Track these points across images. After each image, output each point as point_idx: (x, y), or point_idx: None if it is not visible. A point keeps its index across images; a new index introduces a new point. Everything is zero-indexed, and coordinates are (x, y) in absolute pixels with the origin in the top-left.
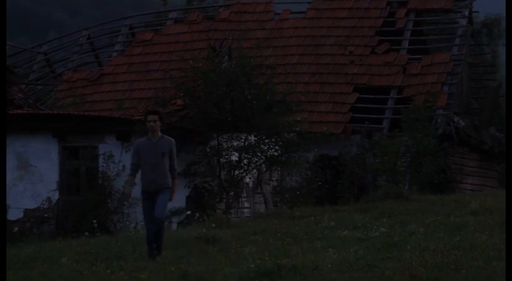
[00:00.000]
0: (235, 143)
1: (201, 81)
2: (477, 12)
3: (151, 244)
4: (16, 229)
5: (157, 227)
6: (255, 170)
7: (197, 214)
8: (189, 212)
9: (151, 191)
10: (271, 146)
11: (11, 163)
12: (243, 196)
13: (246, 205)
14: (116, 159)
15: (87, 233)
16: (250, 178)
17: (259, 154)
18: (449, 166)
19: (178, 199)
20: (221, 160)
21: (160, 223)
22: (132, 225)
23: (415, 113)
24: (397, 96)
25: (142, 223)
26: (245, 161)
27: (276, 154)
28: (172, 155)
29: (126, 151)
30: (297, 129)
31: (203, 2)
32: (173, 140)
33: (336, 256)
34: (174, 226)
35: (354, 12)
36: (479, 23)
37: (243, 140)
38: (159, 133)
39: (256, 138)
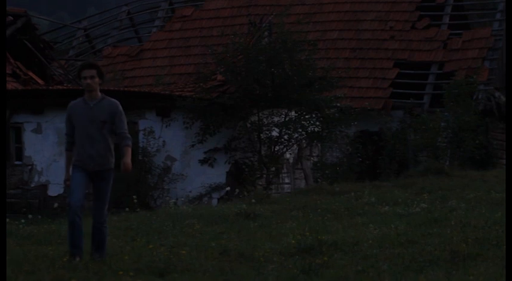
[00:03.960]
0: (275, 119)
1: (241, 57)
2: None
3: (74, 235)
4: (56, 204)
5: (98, 229)
6: (295, 146)
7: (237, 190)
8: (229, 188)
9: (89, 170)
10: (312, 122)
11: (51, 138)
12: (283, 171)
13: (286, 180)
14: (156, 135)
15: (127, 209)
16: (290, 153)
17: (300, 130)
18: (490, 141)
19: (219, 174)
20: (261, 135)
21: (102, 225)
22: (172, 201)
23: (456, 88)
24: (438, 71)
25: (183, 199)
26: (285, 137)
27: (316, 129)
28: (117, 120)
29: (166, 126)
30: (338, 105)
31: None
32: (117, 101)
33: (377, 231)
34: (215, 201)
35: None
36: None
37: (284, 116)
38: (99, 94)
39: (296, 114)
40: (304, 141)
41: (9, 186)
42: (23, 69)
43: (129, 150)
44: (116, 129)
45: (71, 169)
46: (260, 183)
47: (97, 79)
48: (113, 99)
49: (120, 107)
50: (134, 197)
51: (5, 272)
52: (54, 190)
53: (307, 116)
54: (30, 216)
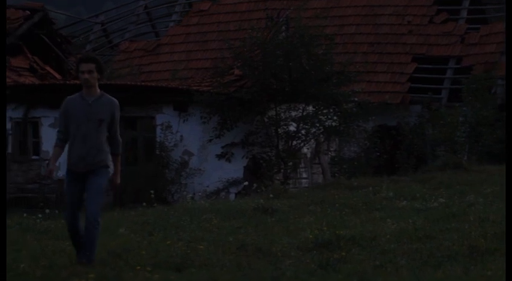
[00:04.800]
0: (293, 114)
1: (259, 52)
2: None
3: (76, 240)
4: None
5: (89, 228)
6: (313, 141)
7: (255, 185)
8: (246, 183)
9: (81, 173)
10: (330, 117)
11: None
12: (300, 166)
13: (304, 175)
14: (173, 129)
15: (144, 204)
16: (308, 148)
17: (317, 124)
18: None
19: (237, 169)
20: (279, 130)
21: (94, 223)
22: (190, 195)
23: (474, 83)
24: (456, 66)
25: (200, 193)
26: (303, 132)
27: (334, 124)
28: (114, 122)
29: (184, 121)
30: (355, 99)
31: None
32: (116, 100)
33: (395, 226)
34: (232, 196)
35: None
36: None
37: (301, 111)
38: (98, 90)
39: (314, 109)
40: (321, 136)
41: (26, 181)
42: (41, 63)
43: (119, 159)
44: (109, 131)
45: (65, 173)
46: (278, 178)
47: (96, 74)
48: (112, 97)
49: (119, 107)
50: (152, 191)
51: (5, 272)
52: None
53: (324, 111)
54: (47, 211)
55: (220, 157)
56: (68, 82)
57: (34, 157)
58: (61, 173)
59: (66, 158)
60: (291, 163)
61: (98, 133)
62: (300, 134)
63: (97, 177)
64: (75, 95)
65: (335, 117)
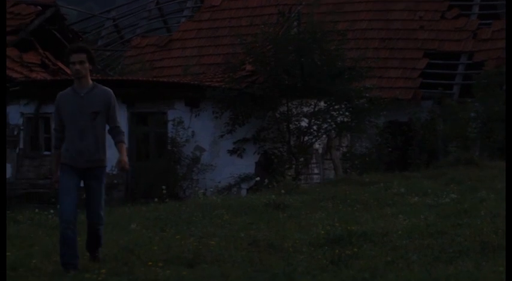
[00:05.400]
0: (305, 109)
1: (270, 47)
2: None
3: (67, 246)
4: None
5: (90, 229)
6: (324, 136)
7: (266, 180)
8: (258, 178)
9: (79, 168)
10: (341, 112)
11: None
12: (312, 162)
13: (316, 171)
14: (185, 125)
15: (156, 199)
16: (319, 144)
17: (329, 120)
18: None
19: (248, 165)
20: (291, 126)
21: (97, 225)
22: (202, 191)
23: (486, 78)
24: (468, 62)
25: (212, 189)
26: (315, 127)
27: (345, 119)
28: (111, 111)
29: (195, 116)
30: (367, 95)
31: None
32: (110, 90)
33: (406, 222)
34: (244, 192)
35: None
36: None
37: (313, 106)
38: (90, 82)
39: (326, 104)
40: (333, 131)
41: (38, 176)
42: (52, 59)
43: (124, 146)
44: (108, 123)
45: (59, 169)
46: (289, 173)
47: (87, 64)
48: (106, 87)
49: (114, 96)
50: (163, 187)
51: (5, 272)
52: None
53: (336, 107)
54: (59, 206)
55: (231, 152)
56: None
57: (45, 153)
58: None
59: (63, 155)
60: (302, 159)
61: (95, 127)
62: (311, 130)
63: (95, 181)
64: (67, 90)
65: (347, 113)
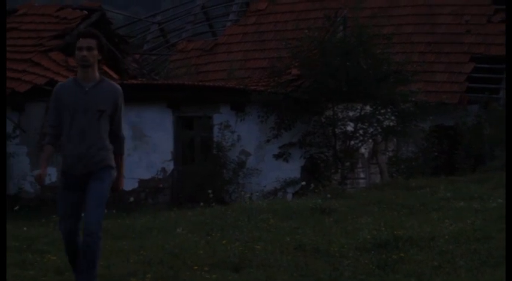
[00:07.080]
0: (350, 113)
1: (316, 51)
2: None
3: (74, 259)
4: (131, 199)
5: (88, 243)
6: (370, 141)
7: (312, 185)
8: (304, 183)
9: (78, 175)
10: (387, 116)
11: (125, 133)
12: (358, 166)
13: (362, 175)
14: (230, 129)
15: (202, 204)
16: (365, 148)
17: (375, 124)
18: None
19: (294, 169)
20: (336, 130)
21: (94, 237)
22: (247, 195)
23: None
24: None
25: (257, 194)
26: (360, 132)
27: (391, 124)
28: (117, 114)
29: (241, 120)
30: (413, 99)
31: None
32: (120, 87)
33: (453, 227)
34: (289, 196)
35: None
36: None
37: (359, 110)
38: (97, 74)
39: (371, 109)
40: (379, 136)
41: None
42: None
43: (123, 160)
44: (112, 126)
45: (60, 176)
46: (335, 178)
47: (96, 52)
48: (114, 83)
49: (123, 95)
50: (209, 191)
51: (5, 272)
52: (129, 185)
53: (382, 111)
54: (105, 211)
55: (277, 156)
56: (125, 82)
57: None
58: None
59: (62, 161)
60: (348, 163)
61: (98, 127)
62: (357, 134)
63: (99, 182)
64: (68, 81)
65: (393, 117)
